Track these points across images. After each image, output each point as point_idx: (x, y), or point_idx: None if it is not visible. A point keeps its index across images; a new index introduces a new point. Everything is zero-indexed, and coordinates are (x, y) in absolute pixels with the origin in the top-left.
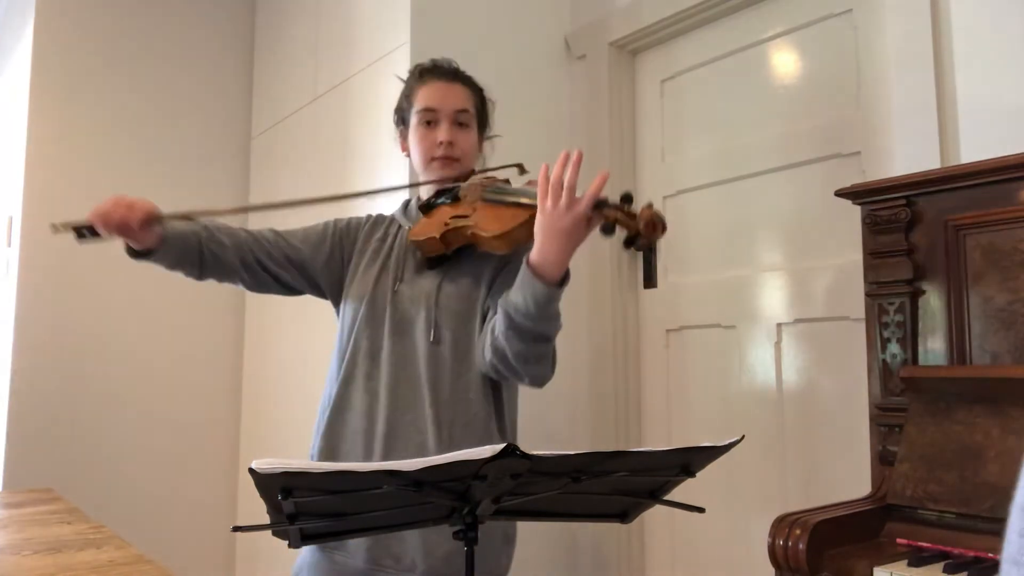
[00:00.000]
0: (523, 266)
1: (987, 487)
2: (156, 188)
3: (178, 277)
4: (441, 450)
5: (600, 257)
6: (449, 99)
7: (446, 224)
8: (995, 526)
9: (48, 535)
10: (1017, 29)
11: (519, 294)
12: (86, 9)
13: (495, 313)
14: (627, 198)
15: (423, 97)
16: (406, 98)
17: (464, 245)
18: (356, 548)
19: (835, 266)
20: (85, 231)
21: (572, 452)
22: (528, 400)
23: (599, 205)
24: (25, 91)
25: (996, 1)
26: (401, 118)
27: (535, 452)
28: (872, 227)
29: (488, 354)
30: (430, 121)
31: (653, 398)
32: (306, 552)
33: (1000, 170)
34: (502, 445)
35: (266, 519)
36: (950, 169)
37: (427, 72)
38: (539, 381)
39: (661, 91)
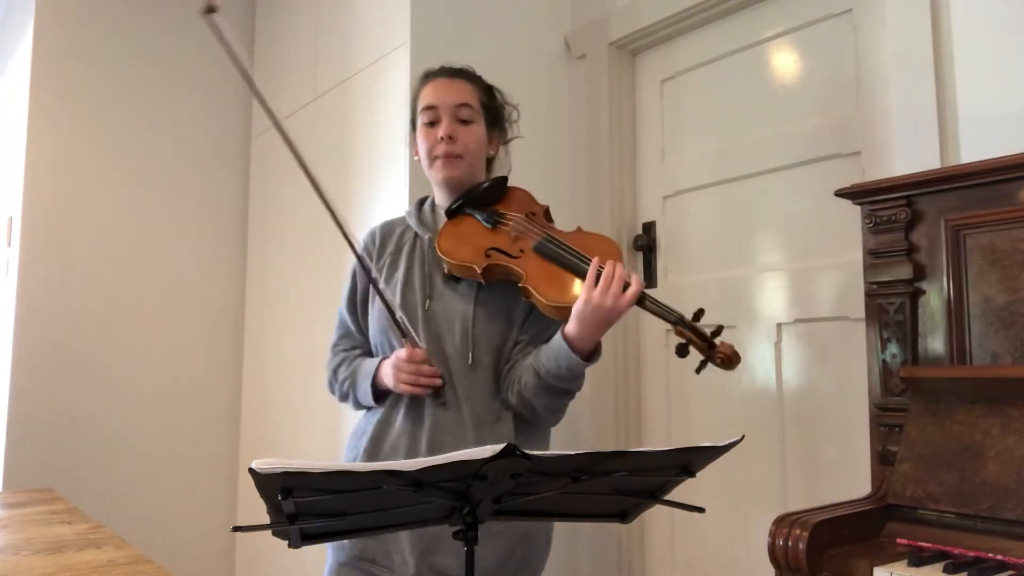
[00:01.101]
0: (559, 337)
1: (987, 487)
2: (156, 188)
3: (178, 277)
4: None
5: None
6: (449, 94)
7: (488, 256)
8: (995, 526)
9: (48, 535)
10: (1017, 30)
11: (553, 361)
12: (86, 10)
13: (521, 352)
14: (699, 314)
15: (425, 96)
16: (413, 101)
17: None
18: (401, 567)
19: (835, 266)
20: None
21: (572, 452)
22: None
23: (680, 323)
24: (25, 91)
25: (996, 1)
26: (412, 123)
27: (535, 452)
28: (872, 227)
29: (513, 400)
30: (432, 121)
31: (653, 398)
32: (333, 570)
33: (1000, 170)
34: (502, 445)
35: (266, 519)
36: (950, 169)
37: (432, 73)
38: (554, 424)
39: (661, 91)
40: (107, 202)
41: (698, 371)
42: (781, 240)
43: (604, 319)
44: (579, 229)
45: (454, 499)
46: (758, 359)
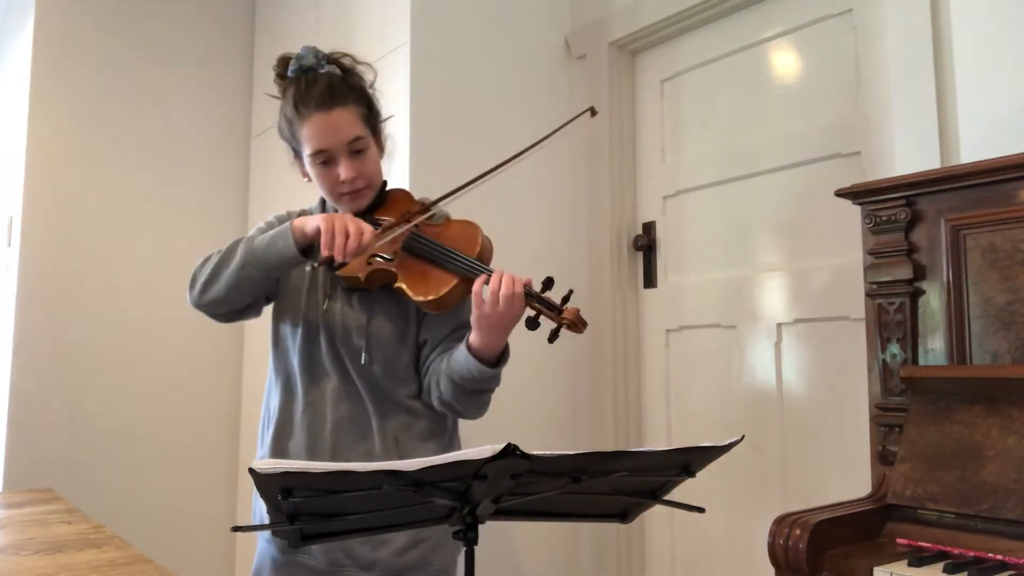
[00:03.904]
0: (466, 345)
1: (987, 487)
2: (156, 188)
3: (178, 277)
4: (388, 456)
5: (600, 257)
6: (337, 133)
7: (369, 264)
8: (995, 526)
9: (48, 535)
10: (1017, 29)
11: (464, 370)
12: (86, 9)
13: (431, 349)
14: (549, 283)
15: (310, 138)
16: (290, 132)
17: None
18: (319, 552)
19: (835, 266)
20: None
21: (572, 452)
22: (529, 399)
23: (530, 296)
24: (25, 91)
25: (996, 1)
26: (292, 147)
27: (535, 452)
28: (872, 227)
29: (435, 404)
30: (325, 160)
31: (653, 398)
32: (264, 550)
33: (1000, 170)
34: (502, 445)
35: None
36: (950, 169)
37: (302, 102)
38: (477, 418)
39: (661, 91)
40: (107, 202)
41: (551, 340)
42: (781, 240)
43: (501, 327)
44: (447, 219)
45: (454, 499)
46: (758, 359)
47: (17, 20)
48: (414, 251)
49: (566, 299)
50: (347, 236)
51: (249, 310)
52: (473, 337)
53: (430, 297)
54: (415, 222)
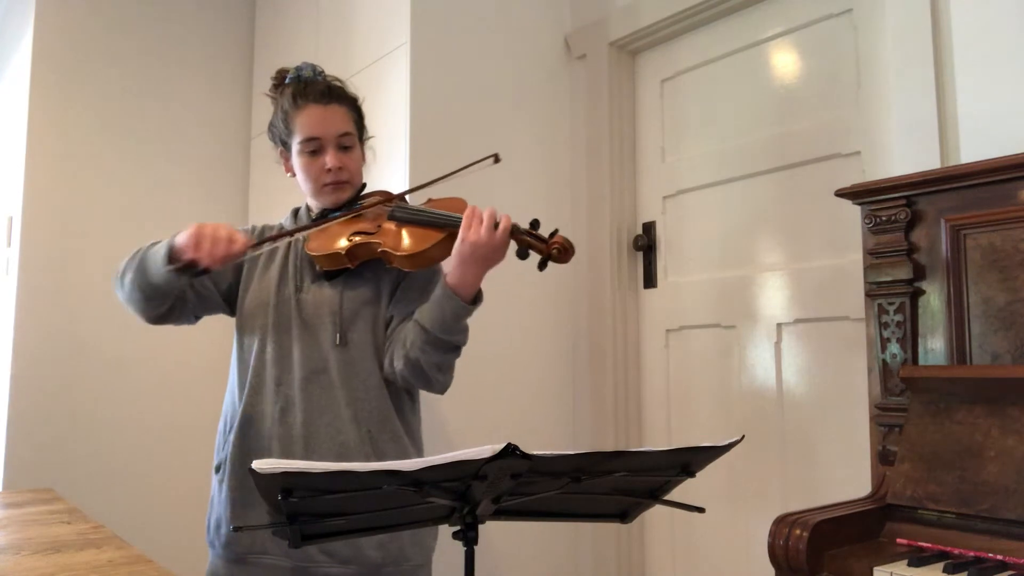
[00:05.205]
0: (440, 286)
1: (987, 487)
2: (156, 187)
3: None
4: (362, 448)
5: (600, 257)
6: (330, 125)
7: (351, 239)
8: (995, 526)
9: (48, 535)
10: (1017, 29)
11: (437, 310)
12: (86, 9)
13: (399, 323)
14: (536, 224)
15: (302, 126)
16: (284, 124)
17: (368, 260)
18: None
19: (835, 266)
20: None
21: (572, 452)
22: (529, 399)
23: (515, 231)
24: (25, 91)
25: (996, 1)
26: (281, 140)
27: (535, 452)
28: (872, 227)
29: (399, 364)
30: (315, 150)
31: (653, 398)
32: (215, 565)
33: (1000, 170)
34: (502, 445)
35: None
36: (950, 169)
37: (301, 95)
38: (444, 388)
39: (661, 91)
40: (107, 202)
41: (541, 268)
42: (781, 240)
43: (484, 256)
44: (429, 199)
45: (454, 499)
46: (758, 359)
47: (18, 20)
48: (400, 218)
49: (553, 234)
50: (215, 242)
51: (171, 316)
52: (451, 273)
53: (418, 249)
54: (398, 196)
